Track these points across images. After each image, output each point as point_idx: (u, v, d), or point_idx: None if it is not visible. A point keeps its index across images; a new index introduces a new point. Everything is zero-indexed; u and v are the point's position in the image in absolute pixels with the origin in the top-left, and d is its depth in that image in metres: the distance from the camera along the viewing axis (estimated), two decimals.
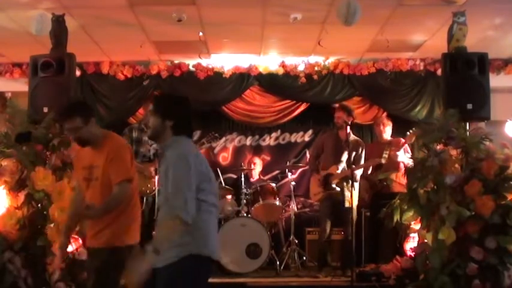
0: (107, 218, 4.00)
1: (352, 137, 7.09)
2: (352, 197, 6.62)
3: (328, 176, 7.03)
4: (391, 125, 7.38)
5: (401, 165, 6.81)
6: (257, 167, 8.38)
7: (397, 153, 6.90)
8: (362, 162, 7.07)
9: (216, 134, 7.70)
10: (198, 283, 3.37)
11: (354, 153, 6.95)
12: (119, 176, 3.99)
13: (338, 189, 6.94)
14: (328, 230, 7.07)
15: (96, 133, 4.14)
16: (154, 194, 6.26)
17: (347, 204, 6.77)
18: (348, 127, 6.88)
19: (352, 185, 6.55)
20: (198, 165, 3.39)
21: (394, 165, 6.90)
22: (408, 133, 6.70)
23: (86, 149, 4.19)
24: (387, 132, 7.33)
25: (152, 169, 6.58)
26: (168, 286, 3.33)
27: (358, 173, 7.00)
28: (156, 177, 6.40)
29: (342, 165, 7.03)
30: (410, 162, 6.11)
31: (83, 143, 4.17)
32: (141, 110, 8.45)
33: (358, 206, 6.96)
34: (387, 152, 6.88)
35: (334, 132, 7.26)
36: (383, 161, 6.88)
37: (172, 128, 3.50)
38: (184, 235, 3.27)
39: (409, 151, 7.02)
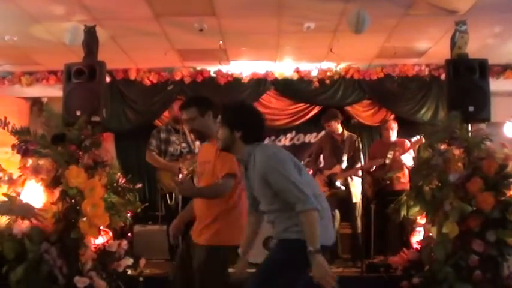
0: (209, 217, 3.90)
1: (346, 133, 7.14)
2: (355, 192, 6.70)
3: (332, 176, 7.04)
4: (396, 128, 7.37)
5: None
6: None
7: (402, 156, 6.92)
8: (361, 154, 7.13)
9: None
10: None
11: (352, 149, 7.01)
12: (224, 170, 3.80)
13: (343, 188, 6.94)
14: (336, 225, 7.06)
15: (211, 127, 3.94)
16: None
17: (354, 200, 6.79)
18: (340, 127, 6.97)
19: (351, 179, 6.63)
20: (289, 155, 3.34)
21: (398, 165, 6.90)
22: (414, 138, 6.73)
23: (206, 144, 4.08)
24: (394, 135, 7.34)
25: (181, 165, 6.28)
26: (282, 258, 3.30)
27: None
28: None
29: (345, 163, 7.03)
30: (412, 164, 6.13)
31: (198, 136, 4.08)
32: (166, 113, 8.47)
33: (364, 201, 6.92)
34: (392, 153, 6.89)
35: (329, 134, 7.27)
36: (387, 161, 6.92)
37: (242, 138, 3.37)
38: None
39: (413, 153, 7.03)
